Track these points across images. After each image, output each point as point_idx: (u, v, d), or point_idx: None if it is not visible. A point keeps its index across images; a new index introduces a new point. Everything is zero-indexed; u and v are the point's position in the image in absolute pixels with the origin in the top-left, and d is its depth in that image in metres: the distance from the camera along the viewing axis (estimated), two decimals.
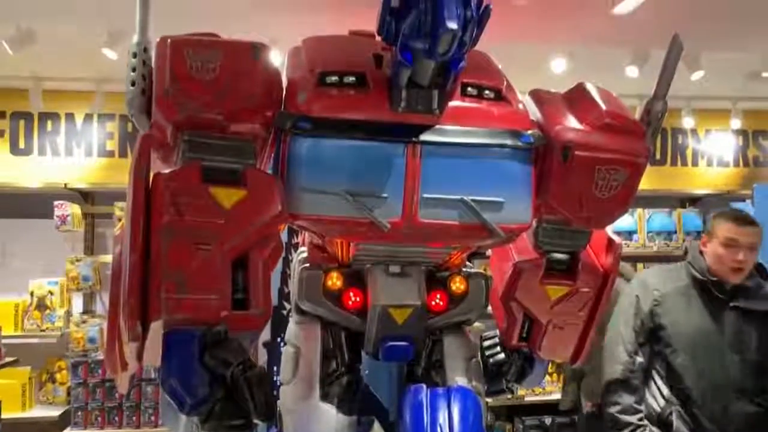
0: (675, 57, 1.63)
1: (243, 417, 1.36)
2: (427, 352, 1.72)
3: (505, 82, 1.59)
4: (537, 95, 1.69)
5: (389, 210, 1.48)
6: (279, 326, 3.09)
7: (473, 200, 1.50)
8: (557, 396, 4.46)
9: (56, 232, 4.90)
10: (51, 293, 4.85)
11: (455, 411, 1.55)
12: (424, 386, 1.61)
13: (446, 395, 1.58)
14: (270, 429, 1.87)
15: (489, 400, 3.11)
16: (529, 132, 1.55)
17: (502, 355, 1.90)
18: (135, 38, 1.51)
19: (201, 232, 1.39)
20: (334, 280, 1.64)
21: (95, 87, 4.81)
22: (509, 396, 3.88)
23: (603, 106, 1.60)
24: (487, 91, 1.54)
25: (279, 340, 3.19)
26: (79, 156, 5.13)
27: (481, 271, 1.77)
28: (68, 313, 4.95)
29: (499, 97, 1.55)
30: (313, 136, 1.46)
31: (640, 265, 5.27)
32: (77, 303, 5.18)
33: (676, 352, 2.91)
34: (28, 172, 5.04)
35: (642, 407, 2.95)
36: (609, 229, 1.81)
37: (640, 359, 2.97)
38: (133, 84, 1.50)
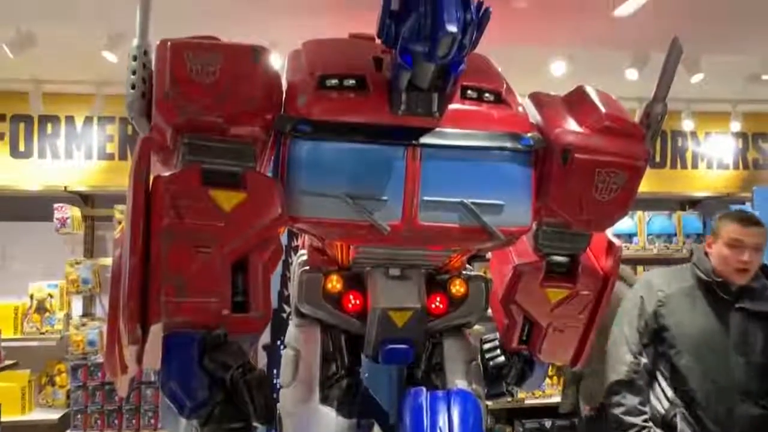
0: (675, 60, 1.63)
1: (243, 420, 1.36)
2: (427, 355, 1.72)
3: (504, 85, 1.59)
4: (537, 98, 1.69)
5: (389, 213, 1.47)
6: (279, 329, 3.09)
7: (473, 203, 1.50)
8: (557, 399, 4.46)
9: (56, 235, 4.91)
10: (51, 296, 4.85)
11: (455, 414, 1.55)
12: (424, 389, 1.61)
13: (446, 398, 1.58)
14: None
15: (489, 403, 3.10)
16: (529, 135, 1.55)
17: (502, 358, 1.90)
18: (135, 41, 1.51)
19: (201, 235, 1.39)
20: (334, 283, 1.64)
21: (95, 90, 4.81)
22: (509, 399, 3.87)
23: (603, 109, 1.60)
24: (486, 94, 1.54)
25: (279, 343, 3.19)
26: (79, 159, 5.13)
27: (481, 274, 1.77)
28: (68, 316, 4.95)
29: (499, 99, 1.55)
30: (313, 139, 1.46)
31: (640, 268, 5.27)
32: (77, 306, 5.18)
33: (681, 353, 2.89)
34: (28, 174, 5.05)
35: (646, 408, 2.93)
36: (609, 232, 1.81)
37: (644, 360, 2.96)
38: (133, 87, 1.50)
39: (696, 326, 2.90)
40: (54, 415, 4.68)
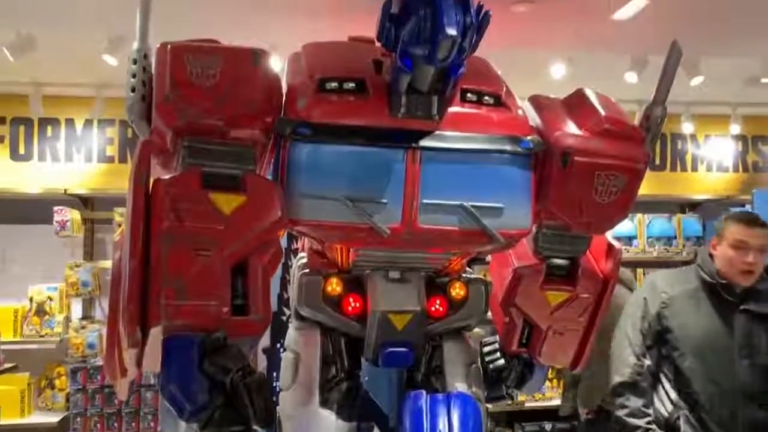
0: (674, 63, 1.64)
1: (242, 423, 1.36)
2: (427, 358, 1.72)
3: (504, 88, 1.59)
4: (536, 101, 1.69)
5: (389, 216, 1.48)
6: (278, 332, 3.08)
7: (473, 206, 1.50)
8: (557, 402, 4.45)
9: (56, 238, 4.90)
10: (50, 299, 4.84)
11: (455, 417, 1.54)
12: (424, 392, 1.61)
13: (446, 401, 1.58)
14: None
15: (489, 406, 3.10)
16: (529, 138, 1.55)
17: (501, 361, 1.89)
18: (135, 44, 1.51)
19: (201, 238, 1.39)
20: (334, 286, 1.64)
21: (95, 93, 4.81)
22: (509, 402, 3.86)
23: (602, 112, 1.60)
24: (486, 97, 1.55)
25: (278, 345, 3.18)
26: (79, 161, 5.13)
27: (481, 276, 1.77)
28: (67, 319, 4.94)
29: (499, 102, 1.56)
30: (312, 142, 1.46)
31: (639, 271, 5.27)
32: (76, 309, 5.17)
33: (684, 355, 2.88)
34: (28, 177, 5.04)
35: (650, 410, 2.92)
36: (609, 235, 1.81)
37: (647, 362, 2.95)
38: (133, 90, 1.50)
39: (700, 328, 2.89)
40: (53, 419, 4.67)
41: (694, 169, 5.89)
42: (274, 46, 3.00)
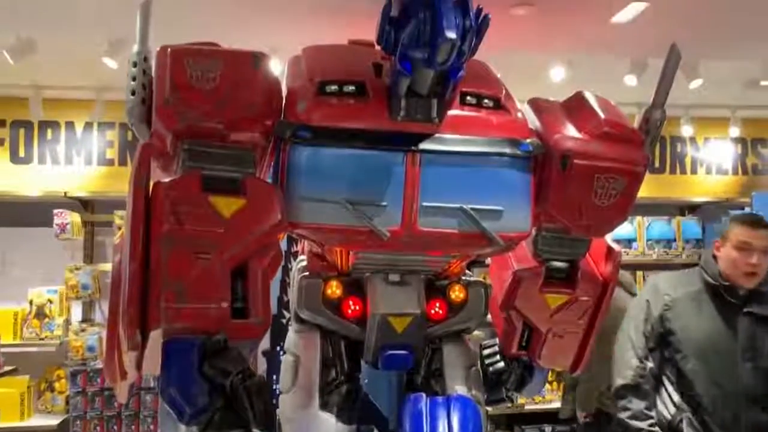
0: (673, 66, 1.64)
1: (242, 426, 1.36)
2: (427, 361, 1.72)
3: (504, 91, 1.59)
4: (536, 104, 1.70)
5: (389, 218, 1.48)
6: (278, 335, 3.08)
7: (472, 209, 1.50)
8: (557, 404, 4.45)
9: (56, 241, 4.90)
10: (50, 302, 4.84)
11: (455, 420, 1.54)
12: (424, 395, 1.61)
13: (446, 404, 1.58)
14: None
15: (489, 408, 3.10)
16: (528, 141, 1.55)
17: (501, 364, 1.89)
18: (135, 47, 1.52)
19: (201, 241, 1.39)
20: (334, 289, 1.64)
21: (95, 96, 4.81)
22: (509, 405, 3.88)
23: (602, 115, 1.60)
24: (486, 100, 1.55)
25: (278, 348, 3.18)
26: (79, 164, 5.13)
27: (481, 279, 1.77)
28: (67, 322, 4.94)
29: (498, 105, 1.56)
30: (312, 145, 1.47)
31: (639, 273, 5.27)
32: (76, 311, 5.16)
33: (687, 357, 2.87)
34: (28, 180, 5.04)
35: (653, 413, 2.92)
36: (608, 237, 1.81)
37: (650, 364, 2.94)
38: (133, 93, 1.50)
39: (702, 330, 2.88)
40: (53, 421, 4.67)
41: (694, 171, 5.89)
42: (274, 50, 3.01)
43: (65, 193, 5.04)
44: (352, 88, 1.48)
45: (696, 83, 4.42)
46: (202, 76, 1.42)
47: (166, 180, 1.45)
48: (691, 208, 5.96)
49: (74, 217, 4.99)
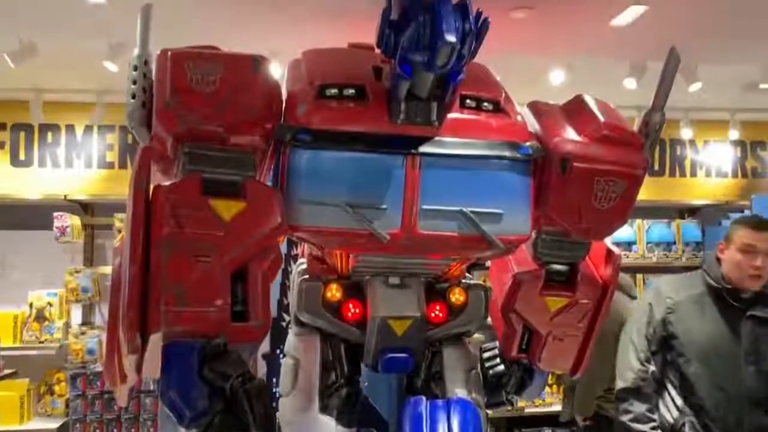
0: (672, 69, 1.64)
1: (242, 429, 1.36)
2: (427, 364, 1.72)
3: (503, 94, 1.60)
4: (535, 107, 1.70)
5: (388, 221, 1.48)
6: (278, 338, 3.08)
7: (472, 212, 1.50)
8: (557, 407, 4.45)
9: (56, 244, 4.90)
10: (50, 305, 4.83)
11: (455, 423, 1.54)
12: (424, 398, 1.61)
13: (446, 407, 1.58)
14: None
15: (489, 411, 3.10)
16: (528, 144, 1.55)
17: (501, 367, 1.89)
18: (136, 51, 1.52)
19: (201, 244, 1.39)
20: (334, 292, 1.64)
21: (95, 99, 4.81)
22: (509, 408, 3.87)
23: (601, 118, 1.60)
24: (485, 103, 1.55)
25: (278, 351, 3.18)
26: (79, 167, 5.13)
27: (481, 282, 1.77)
28: (67, 325, 4.94)
29: (498, 109, 1.56)
30: (312, 148, 1.47)
31: (639, 276, 5.27)
32: (76, 314, 5.16)
33: (689, 361, 2.86)
34: (28, 183, 5.04)
35: (655, 416, 2.90)
36: (608, 240, 1.81)
37: (652, 368, 2.93)
38: (133, 96, 1.51)
39: (705, 334, 2.87)
40: (53, 425, 4.66)
41: (693, 174, 5.89)
42: (274, 53, 3.01)
43: (65, 196, 5.04)
44: (352, 91, 1.48)
45: (695, 86, 4.42)
46: (203, 80, 1.42)
47: (167, 183, 1.45)
48: (691, 211, 5.96)
49: (74, 220, 4.99)
